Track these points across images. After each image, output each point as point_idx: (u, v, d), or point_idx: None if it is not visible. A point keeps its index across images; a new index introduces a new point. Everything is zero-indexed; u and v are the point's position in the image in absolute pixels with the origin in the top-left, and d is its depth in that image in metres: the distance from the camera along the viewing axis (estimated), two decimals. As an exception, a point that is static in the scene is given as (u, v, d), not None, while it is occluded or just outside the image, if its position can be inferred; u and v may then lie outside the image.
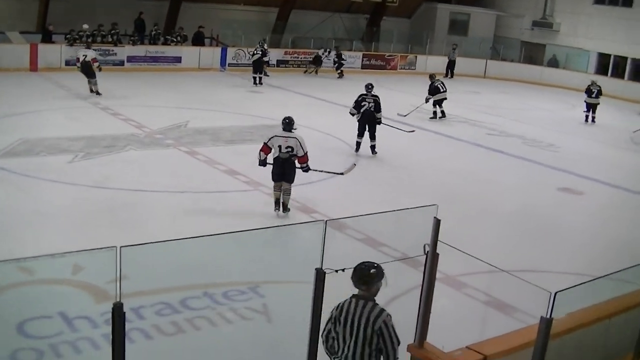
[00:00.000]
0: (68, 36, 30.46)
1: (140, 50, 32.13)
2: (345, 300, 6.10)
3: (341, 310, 6.07)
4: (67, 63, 29.39)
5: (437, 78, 26.45)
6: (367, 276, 6.01)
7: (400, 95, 30.03)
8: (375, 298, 5.97)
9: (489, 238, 13.77)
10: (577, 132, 27.00)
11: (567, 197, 17.57)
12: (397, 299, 10.10)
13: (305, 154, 13.50)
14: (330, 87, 31.56)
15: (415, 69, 41.02)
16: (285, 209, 13.51)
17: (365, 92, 19.66)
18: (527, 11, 44.98)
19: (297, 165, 13.63)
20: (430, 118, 26.13)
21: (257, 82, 30.85)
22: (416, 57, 41.54)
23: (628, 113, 33.21)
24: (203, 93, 27.45)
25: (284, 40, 37.88)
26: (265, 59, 31.70)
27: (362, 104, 19.44)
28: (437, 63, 40.93)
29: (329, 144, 20.30)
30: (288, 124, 13.50)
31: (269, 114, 23.10)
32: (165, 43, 33.68)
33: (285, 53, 36.62)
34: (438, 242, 6.22)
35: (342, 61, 36.86)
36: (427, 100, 25.94)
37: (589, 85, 29.82)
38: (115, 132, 19.30)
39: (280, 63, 36.10)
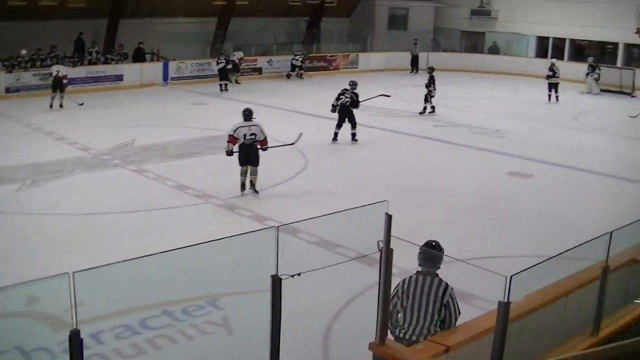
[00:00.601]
0: (6, 63, 30.06)
1: (80, 71, 31.70)
2: (410, 276, 7.03)
3: (408, 285, 6.98)
4: (8, 90, 29.02)
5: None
6: (433, 254, 7.02)
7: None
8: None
9: (444, 228, 13.83)
10: (522, 116, 27.25)
11: (517, 181, 17.76)
12: (356, 298, 10.14)
13: (265, 138, 15.75)
14: (275, 93, 31.49)
15: (357, 68, 41.07)
16: (253, 186, 15.78)
17: (346, 88, 21.80)
18: (465, 1, 45.30)
19: (259, 147, 15.69)
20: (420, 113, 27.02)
21: (223, 88, 32.20)
22: (358, 55, 41.64)
23: (571, 94, 33.56)
24: (147, 109, 27.26)
25: (225, 49, 37.72)
26: (229, 66, 33.09)
27: (341, 97, 21.58)
28: (379, 60, 41.09)
29: (276, 149, 20.24)
30: (248, 114, 15.72)
31: (215, 125, 23.00)
32: (105, 62, 33.34)
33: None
34: (391, 237, 6.22)
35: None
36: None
37: (550, 67, 31.73)
38: (61, 157, 19.07)
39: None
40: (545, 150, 20.94)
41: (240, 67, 35.15)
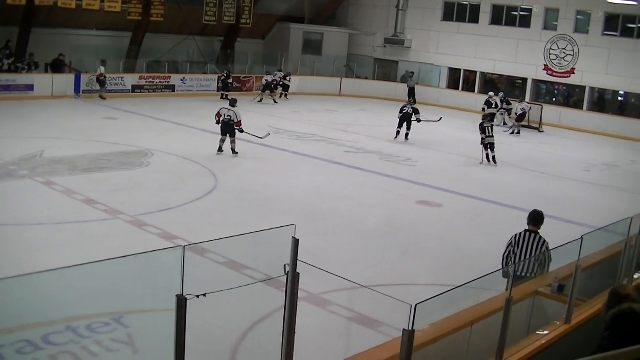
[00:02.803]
0: None
1: (-11, 79, 31.04)
2: (520, 232, 10.25)
3: (519, 239, 10.20)
4: None
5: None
6: (539, 219, 10.27)
7: (258, 117, 30.10)
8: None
9: (352, 254, 13.98)
10: (433, 146, 27.67)
11: (426, 210, 18.02)
12: (262, 321, 10.16)
13: (240, 121, 22.27)
14: (186, 112, 31.30)
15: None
16: (234, 152, 22.42)
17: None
18: (379, 29, 45.93)
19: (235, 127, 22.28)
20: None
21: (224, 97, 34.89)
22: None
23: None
24: (58, 121, 26.79)
25: (138, 65, 37.41)
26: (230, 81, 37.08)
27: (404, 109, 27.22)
28: (292, 83, 41.24)
29: (187, 168, 20.20)
30: (232, 101, 22.91)
31: (125, 141, 22.84)
32: (15, 71, 32.69)
33: (140, 78, 36.12)
34: (298, 261, 6.28)
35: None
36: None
37: (487, 99, 34.21)
38: (-35, 166, 18.68)
39: (135, 88, 35.55)
40: (454, 181, 21.32)
41: (102, 82, 34.53)
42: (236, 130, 22.32)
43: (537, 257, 9.82)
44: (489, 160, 24.65)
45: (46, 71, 34.10)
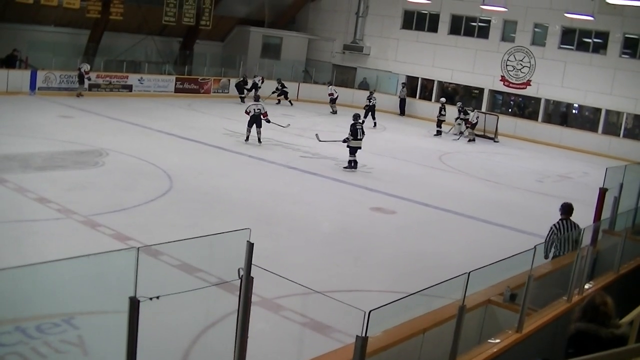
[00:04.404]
0: None
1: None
2: (557, 222, 12.65)
3: (560, 226, 12.55)
4: None
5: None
6: (571, 209, 12.77)
7: (215, 120, 30.03)
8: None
9: (306, 259, 13.99)
10: (389, 153, 27.76)
11: (380, 216, 18.08)
12: (215, 325, 10.12)
13: (266, 112, 26.24)
14: (142, 112, 31.09)
15: (228, 93, 40.99)
16: (259, 141, 26.02)
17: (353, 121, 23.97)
18: (338, 35, 46.05)
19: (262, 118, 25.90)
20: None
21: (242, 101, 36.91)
22: (229, 80, 41.56)
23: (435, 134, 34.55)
24: (11, 118, 26.38)
25: (96, 63, 37.08)
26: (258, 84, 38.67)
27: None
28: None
29: (142, 168, 20.07)
30: (258, 97, 27.81)
31: (80, 140, 22.66)
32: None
33: (98, 76, 35.76)
34: (252, 265, 6.26)
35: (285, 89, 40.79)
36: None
37: (440, 107, 34.92)
38: None
39: (92, 87, 35.16)
40: (409, 188, 21.43)
41: (88, 79, 34.41)
42: (263, 121, 26.06)
43: (575, 237, 12.25)
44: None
45: (7, 66, 33.64)
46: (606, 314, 5.86)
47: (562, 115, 39.28)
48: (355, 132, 23.52)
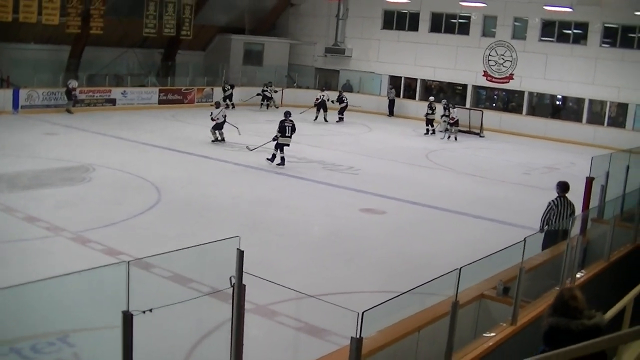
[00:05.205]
0: None
1: None
2: (554, 199, 13.59)
3: (557, 202, 13.49)
4: None
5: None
6: (567, 187, 13.66)
7: (199, 129, 29.97)
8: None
9: (298, 263, 14.00)
10: (376, 154, 27.81)
11: (370, 217, 18.09)
12: (210, 335, 10.11)
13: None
14: (127, 125, 30.98)
15: (212, 102, 40.89)
16: (222, 139, 27.14)
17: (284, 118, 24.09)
18: (320, 38, 46.10)
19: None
20: None
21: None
22: (212, 89, 41.50)
23: (422, 132, 34.58)
24: (-5, 138, 26.33)
25: (78, 78, 36.91)
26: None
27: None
28: (234, 94, 41.14)
29: (129, 182, 20.03)
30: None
31: (66, 156, 22.60)
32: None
33: (81, 92, 35.59)
34: (244, 273, 6.27)
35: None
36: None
37: (429, 104, 35.01)
38: None
39: (75, 102, 34.99)
40: (398, 188, 21.45)
41: (74, 96, 34.32)
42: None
43: (569, 214, 13.30)
44: None
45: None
46: (576, 308, 5.84)
47: (554, 107, 39.45)
48: (284, 129, 23.73)
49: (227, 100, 38.46)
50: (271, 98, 41.17)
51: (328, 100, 37.71)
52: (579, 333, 5.66)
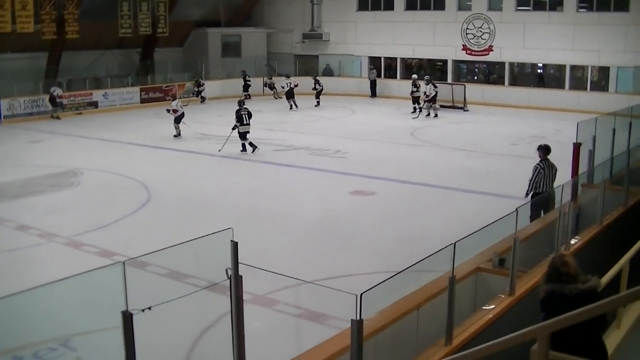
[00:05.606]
0: None
1: None
2: (540, 162, 14.06)
3: (543, 166, 13.94)
4: None
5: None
6: (549, 149, 14.14)
7: (183, 125, 29.88)
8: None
9: (293, 251, 14.01)
10: (361, 136, 27.79)
11: (360, 199, 18.11)
12: (211, 328, 10.12)
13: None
14: (111, 127, 30.88)
15: (194, 97, 40.88)
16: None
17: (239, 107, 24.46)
18: (296, 25, 45.99)
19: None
20: None
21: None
22: (194, 84, 41.40)
23: (406, 110, 34.58)
24: (-20, 149, 26.22)
25: (60, 85, 36.71)
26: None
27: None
28: (215, 87, 41.03)
29: (118, 183, 19.99)
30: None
31: (53, 162, 22.52)
32: None
33: (62, 97, 35.46)
34: (240, 264, 6.26)
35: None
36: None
37: (412, 82, 35.00)
38: None
39: (62, 108, 34.91)
40: (385, 168, 21.47)
41: (60, 103, 34.31)
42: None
43: (553, 176, 14.09)
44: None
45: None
46: (569, 274, 5.89)
47: (536, 76, 39.50)
48: (241, 118, 24.07)
49: (201, 95, 39.19)
50: (274, 88, 41.41)
51: (296, 86, 37.65)
52: (573, 297, 5.70)
